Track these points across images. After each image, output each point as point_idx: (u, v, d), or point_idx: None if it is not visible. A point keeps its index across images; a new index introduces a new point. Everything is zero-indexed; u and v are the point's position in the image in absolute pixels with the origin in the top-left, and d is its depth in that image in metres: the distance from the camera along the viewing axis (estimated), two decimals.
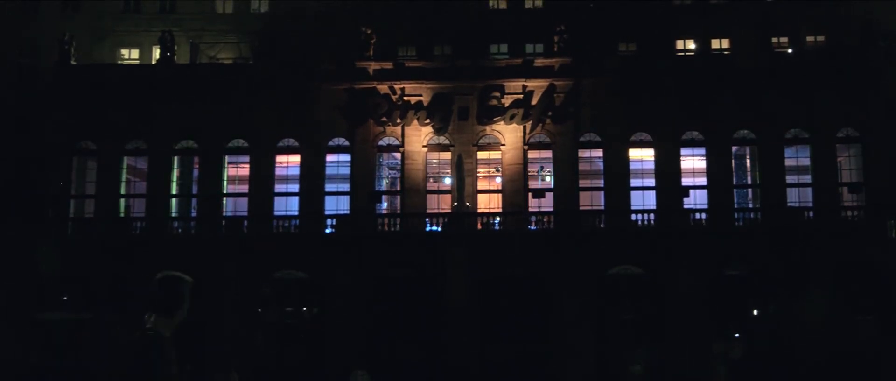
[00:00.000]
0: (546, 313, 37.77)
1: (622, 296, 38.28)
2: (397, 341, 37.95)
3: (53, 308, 38.71)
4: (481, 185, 41.21)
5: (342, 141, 40.80)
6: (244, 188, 41.30)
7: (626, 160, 40.04)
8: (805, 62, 41.41)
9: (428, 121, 40.28)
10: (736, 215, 39.77)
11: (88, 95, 40.73)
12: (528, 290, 38.11)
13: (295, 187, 40.86)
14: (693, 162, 40.57)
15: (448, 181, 40.88)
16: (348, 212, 40.12)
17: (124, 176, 41.62)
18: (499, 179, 41.18)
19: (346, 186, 40.64)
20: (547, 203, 40.03)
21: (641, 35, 45.94)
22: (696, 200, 39.57)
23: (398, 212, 40.86)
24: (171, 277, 5.80)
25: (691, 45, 47.28)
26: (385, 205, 42.32)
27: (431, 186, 41.29)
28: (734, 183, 40.82)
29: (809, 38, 46.22)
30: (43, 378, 37.42)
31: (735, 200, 40.52)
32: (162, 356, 5.48)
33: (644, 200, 39.94)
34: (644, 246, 38.03)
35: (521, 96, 40.10)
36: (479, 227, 39.48)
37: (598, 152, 40.48)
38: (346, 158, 40.75)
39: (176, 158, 41.47)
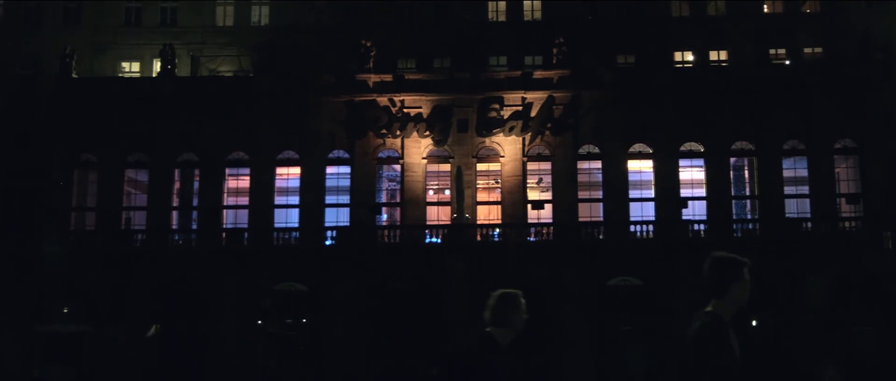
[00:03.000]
0: (546, 324, 37.78)
1: (622, 307, 38.32)
2: (397, 352, 37.95)
3: (54, 320, 38.81)
4: (481, 196, 41.32)
5: (342, 153, 40.96)
6: (244, 200, 41.43)
7: (625, 172, 40.18)
8: (803, 74, 41.61)
9: (427, 133, 40.44)
10: (735, 226, 39.89)
11: (90, 107, 40.91)
12: (528, 301, 37.97)
13: (295, 200, 40.99)
14: (692, 173, 40.67)
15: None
16: (348, 224, 40.24)
17: (125, 188, 41.78)
18: (498, 191, 41.28)
19: (346, 198, 40.77)
20: (546, 215, 40.16)
21: (640, 47, 46.08)
22: (695, 211, 39.68)
23: (398, 224, 40.97)
24: (723, 258, 5.65)
25: (690, 57, 47.43)
26: (385, 217, 42.43)
27: (431, 197, 41.43)
28: (733, 194, 40.94)
29: (807, 50, 46.38)
30: None
31: (734, 211, 40.62)
32: (724, 341, 5.37)
33: (643, 211, 40.07)
34: (643, 257, 38.12)
35: (520, 108, 40.28)
36: (479, 238, 39.59)
37: (597, 164, 40.62)
38: (346, 170, 40.89)
39: (177, 171, 41.60)
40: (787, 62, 45.99)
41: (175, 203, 41.53)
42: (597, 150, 40.37)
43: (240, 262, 38.81)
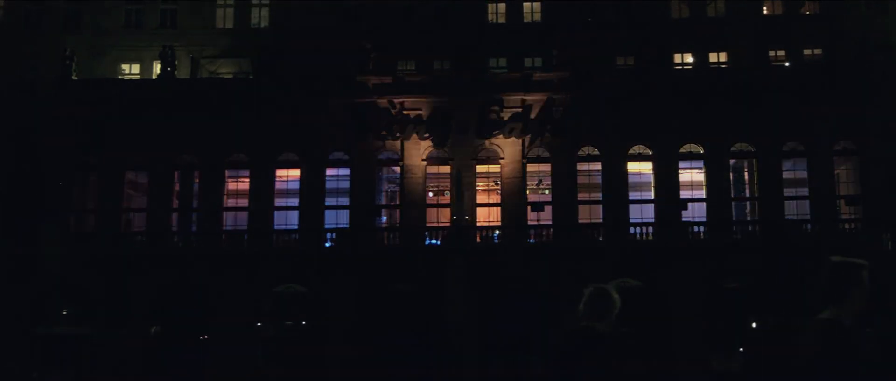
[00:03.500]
0: (545, 326, 37.77)
1: (621, 308, 38.21)
2: (397, 354, 37.92)
3: (54, 323, 38.80)
4: (480, 198, 41.33)
5: (342, 155, 40.96)
6: (244, 202, 41.44)
7: (625, 173, 40.20)
8: (802, 76, 41.66)
9: (427, 135, 40.45)
10: (734, 228, 39.91)
11: (90, 109, 40.87)
12: (528, 303, 38.14)
13: (295, 201, 40.99)
14: (691, 175, 40.71)
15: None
16: (348, 226, 40.24)
17: (125, 190, 41.78)
18: (498, 193, 41.29)
19: (345, 201, 40.77)
20: (546, 216, 40.16)
21: (639, 49, 46.08)
22: (695, 212, 39.70)
23: (398, 226, 40.98)
24: (841, 263, 5.77)
25: (689, 58, 47.46)
26: (385, 219, 42.45)
27: (431, 199, 41.46)
28: (732, 196, 40.98)
29: (806, 52, 46.42)
30: None
31: (733, 212, 40.65)
32: (847, 346, 5.49)
33: (643, 213, 40.08)
34: (643, 259, 38.11)
35: (519, 110, 40.28)
36: (479, 240, 39.60)
37: (597, 166, 40.63)
38: (346, 172, 40.89)
39: (176, 173, 41.61)
40: (787, 64, 46.02)
41: (175, 205, 41.54)
42: (596, 152, 40.39)
43: (239, 264, 38.81)
